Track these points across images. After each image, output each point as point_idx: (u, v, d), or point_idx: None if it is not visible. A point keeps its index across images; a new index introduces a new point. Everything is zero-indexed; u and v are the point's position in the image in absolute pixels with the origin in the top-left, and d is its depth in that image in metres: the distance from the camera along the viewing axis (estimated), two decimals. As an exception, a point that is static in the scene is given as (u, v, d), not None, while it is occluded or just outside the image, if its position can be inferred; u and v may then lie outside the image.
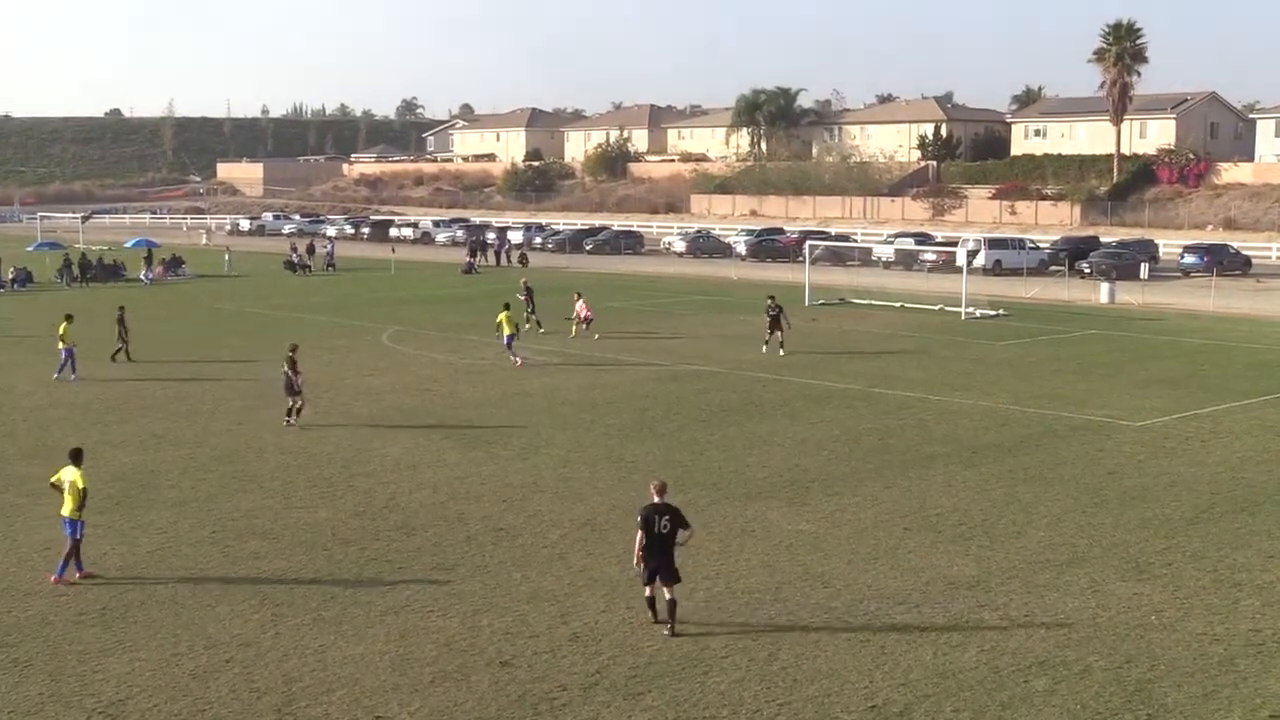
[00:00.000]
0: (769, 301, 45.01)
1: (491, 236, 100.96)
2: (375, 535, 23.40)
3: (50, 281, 75.73)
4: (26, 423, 33.94)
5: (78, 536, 21.11)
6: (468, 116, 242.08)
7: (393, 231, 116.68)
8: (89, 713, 16.01)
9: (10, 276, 74.78)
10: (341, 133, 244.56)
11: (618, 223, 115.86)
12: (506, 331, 43.24)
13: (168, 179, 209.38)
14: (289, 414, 33.00)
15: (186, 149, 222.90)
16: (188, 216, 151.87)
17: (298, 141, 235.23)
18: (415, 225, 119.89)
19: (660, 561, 18.61)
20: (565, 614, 19.30)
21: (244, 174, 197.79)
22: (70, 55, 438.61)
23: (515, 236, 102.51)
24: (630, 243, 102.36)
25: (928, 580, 20.83)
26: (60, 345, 40.61)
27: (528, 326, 50.19)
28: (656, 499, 18.95)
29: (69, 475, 21.46)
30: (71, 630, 18.67)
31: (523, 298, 52.54)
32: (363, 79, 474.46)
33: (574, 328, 51.13)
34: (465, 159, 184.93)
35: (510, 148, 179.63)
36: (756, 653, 17.77)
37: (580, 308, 51.81)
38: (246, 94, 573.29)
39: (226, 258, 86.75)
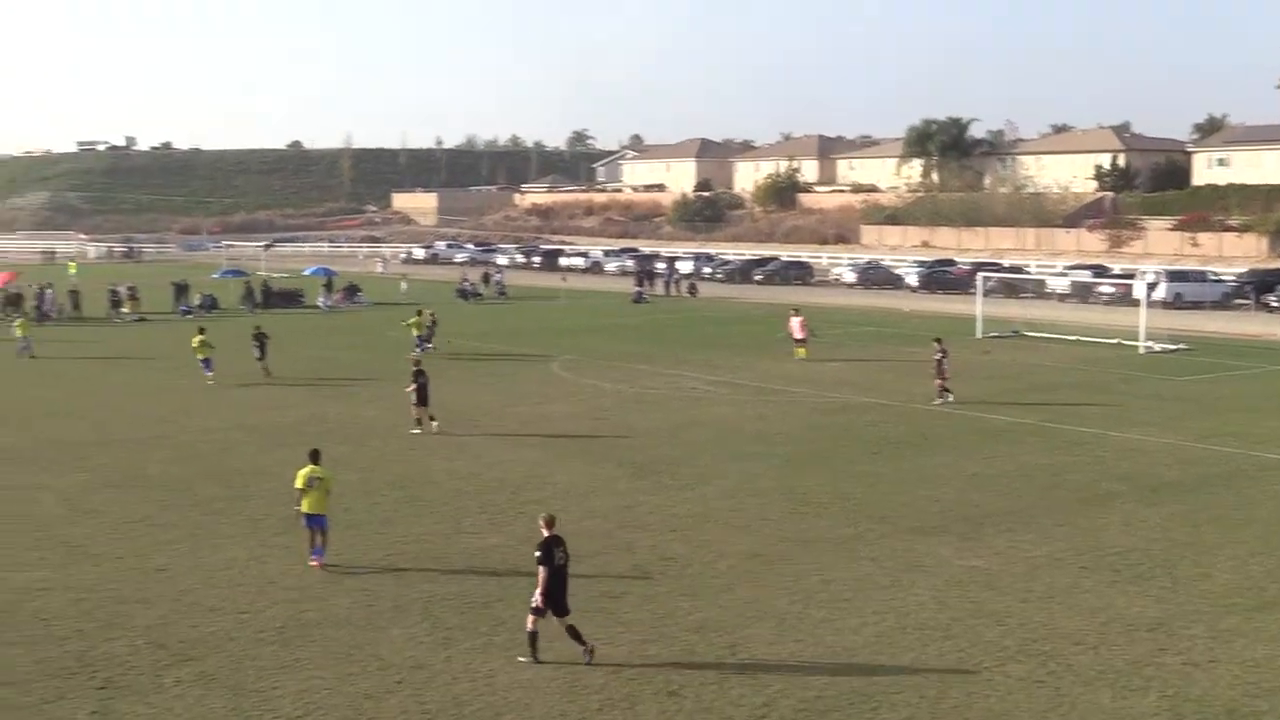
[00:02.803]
0: (935, 345, 42.07)
1: (661, 266, 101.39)
2: (545, 562, 23.56)
3: (234, 307, 78.12)
4: (208, 445, 35.03)
5: (325, 528, 23.21)
6: (637, 147, 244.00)
7: (563, 261, 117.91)
8: (267, 729, 16.41)
9: (197, 302, 77.50)
10: (513, 163, 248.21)
11: (786, 253, 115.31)
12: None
13: (345, 208, 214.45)
14: (419, 422, 35.99)
15: (363, 180, 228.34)
16: (364, 245, 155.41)
17: (470, 172, 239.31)
18: (585, 255, 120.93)
19: (560, 593, 18.63)
20: (733, 645, 19.21)
21: (418, 204, 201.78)
22: (256, 91, 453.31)
23: (684, 266, 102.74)
24: (799, 273, 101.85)
25: (1105, 621, 20.25)
26: (198, 357, 45.96)
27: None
28: (547, 532, 18.93)
29: (314, 473, 23.39)
30: (252, 647, 19.16)
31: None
32: (535, 112, 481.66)
33: (796, 349, 51.31)
34: (635, 189, 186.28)
35: (680, 178, 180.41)
36: (926, 690, 17.46)
37: (795, 326, 51.90)
38: (421, 126, 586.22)
39: (403, 286, 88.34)
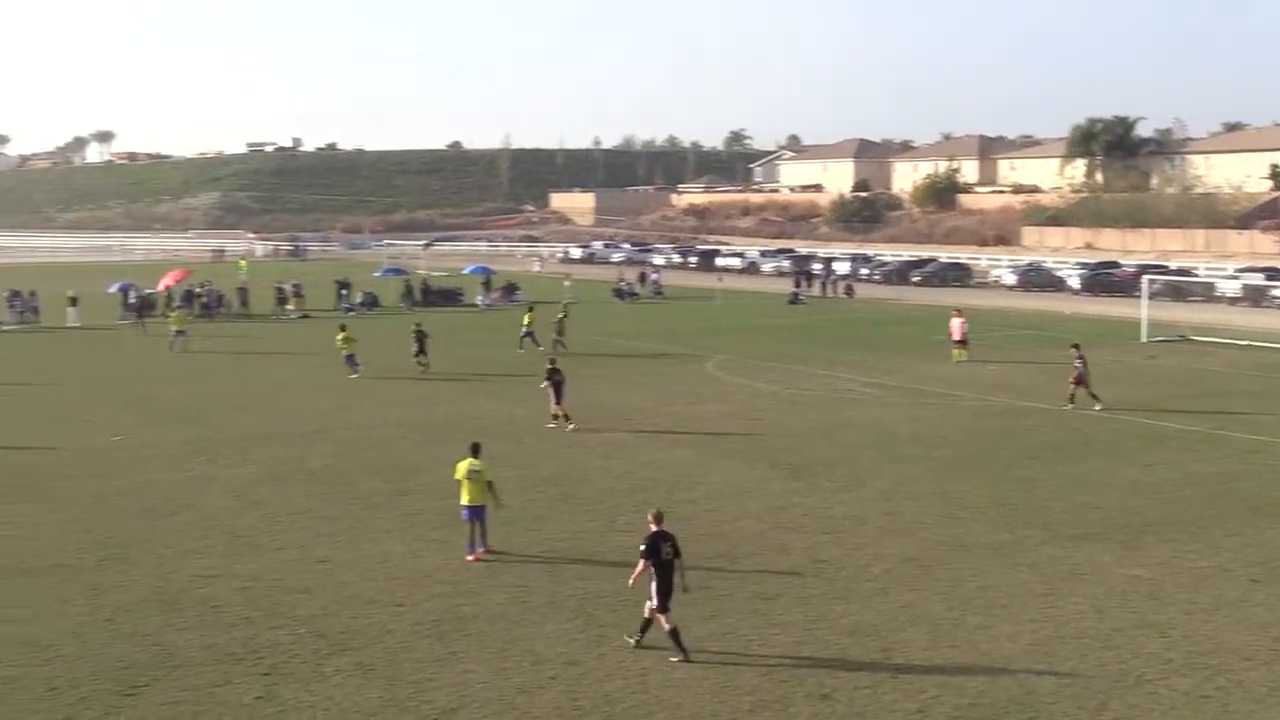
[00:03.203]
0: (1074, 350, 40.96)
1: (817, 267, 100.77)
2: (697, 562, 23.50)
3: (394, 305, 79.55)
4: (368, 441, 35.72)
5: (484, 520, 23.76)
6: (795, 147, 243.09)
7: (719, 261, 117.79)
8: (423, 719, 16.66)
9: (359, 300, 79.17)
10: (670, 163, 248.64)
11: (945, 254, 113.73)
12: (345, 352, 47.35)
13: (503, 208, 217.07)
14: (556, 417, 36.58)
15: (521, 179, 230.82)
16: (521, 244, 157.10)
17: (627, 172, 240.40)
18: (741, 255, 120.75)
19: (664, 588, 18.79)
20: (887, 650, 19.00)
21: (575, 203, 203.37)
22: (417, 93, 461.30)
23: (841, 267, 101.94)
24: (958, 275, 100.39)
25: (1278, 636, 19.58)
26: (342, 352, 47.72)
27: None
28: (655, 527, 19.18)
29: (472, 466, 23.93)
30: (409, 639, 19.49)
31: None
32: (692, 111, 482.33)
33: (955, 352, 50.78)
34: (792, 189, 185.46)
35: (837, 178, 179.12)
36: (1086, 701, 17.07)
37: (955, 327, 51.36)
38: (579, 126, 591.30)
39: (567, 284, 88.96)
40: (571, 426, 36.45)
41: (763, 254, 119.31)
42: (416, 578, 22.64)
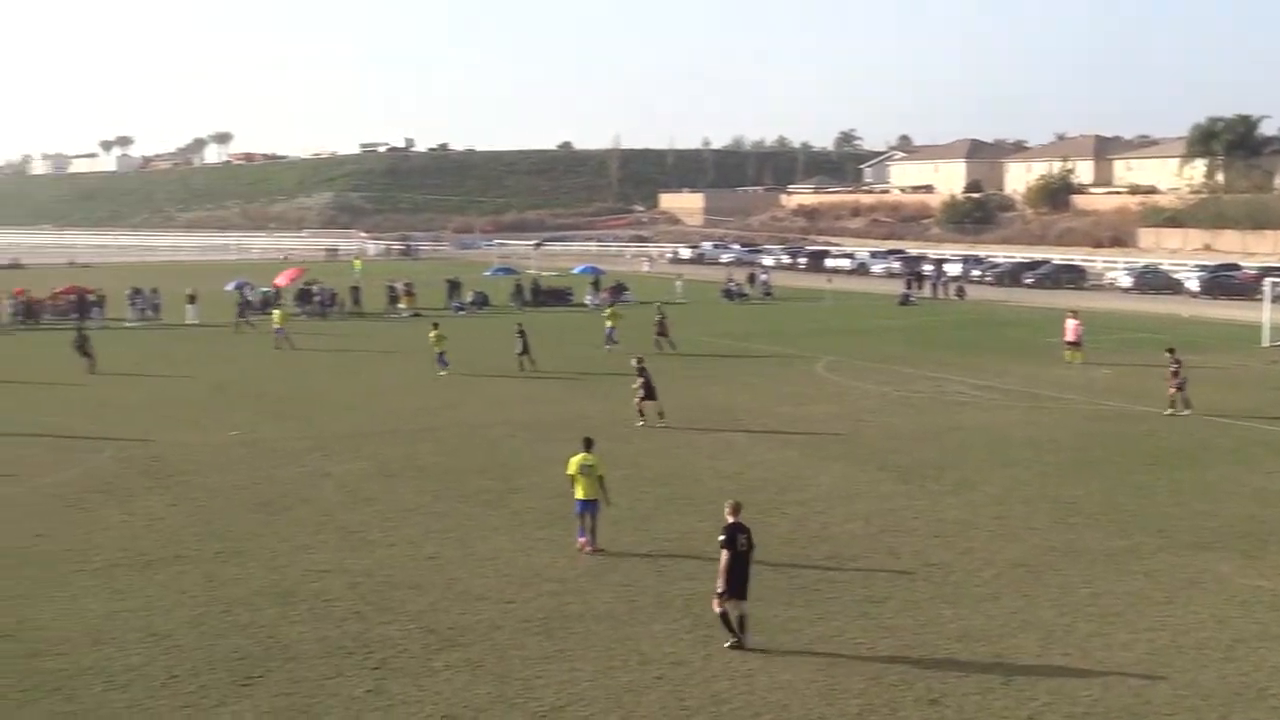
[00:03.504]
0: (1168, 355, 40.02)
1: (928, 268, 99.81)
2: (806, 563, 23.48)
3: (504, 304, 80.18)
4: (477, 438, 36.02)
5: (587, 514, 24.05)
6: (906, 148, 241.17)
7: (828, 262, 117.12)
8: (531, 715, 16.77)
9: (469, 299, 79.92)
10: (780, 164, 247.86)
11: (1059, 256, 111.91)
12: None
13: (613, 208, 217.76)
14: (655, 415, 37.07)
15: (631, 180, 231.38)
16: (630, 245, 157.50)
17: (737, 172, 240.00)
18: (851, 256, 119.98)
19: (741, 578, 19.10)
20: (998, 655, 18.76)
21: (684, 204, 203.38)
22: (528, 94, 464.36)
23: (952, 269, 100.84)
24: (1072, 277, 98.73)
25: (1405, 649, 19.03)
26: (434, 350, 49.03)
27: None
28: (732, 519, 19.62)
29: (585, 461, 24.30)
30: (517, 636, 19.62)
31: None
32: (802, 112, 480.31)
33: (1068, 354, 50.15)
34: (902, 190, 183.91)
35: (948, 179, 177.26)
36: (1205, 713, 16.71)
37: (1069, 329, 50.71)
38: (689, 127, 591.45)
39: (678, 285, 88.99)
40: (661, 423, 36.62)
41: (873, 255, 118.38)
42: (525, 575, 22.79)
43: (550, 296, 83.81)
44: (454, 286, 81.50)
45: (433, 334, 50.42)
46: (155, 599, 21.53)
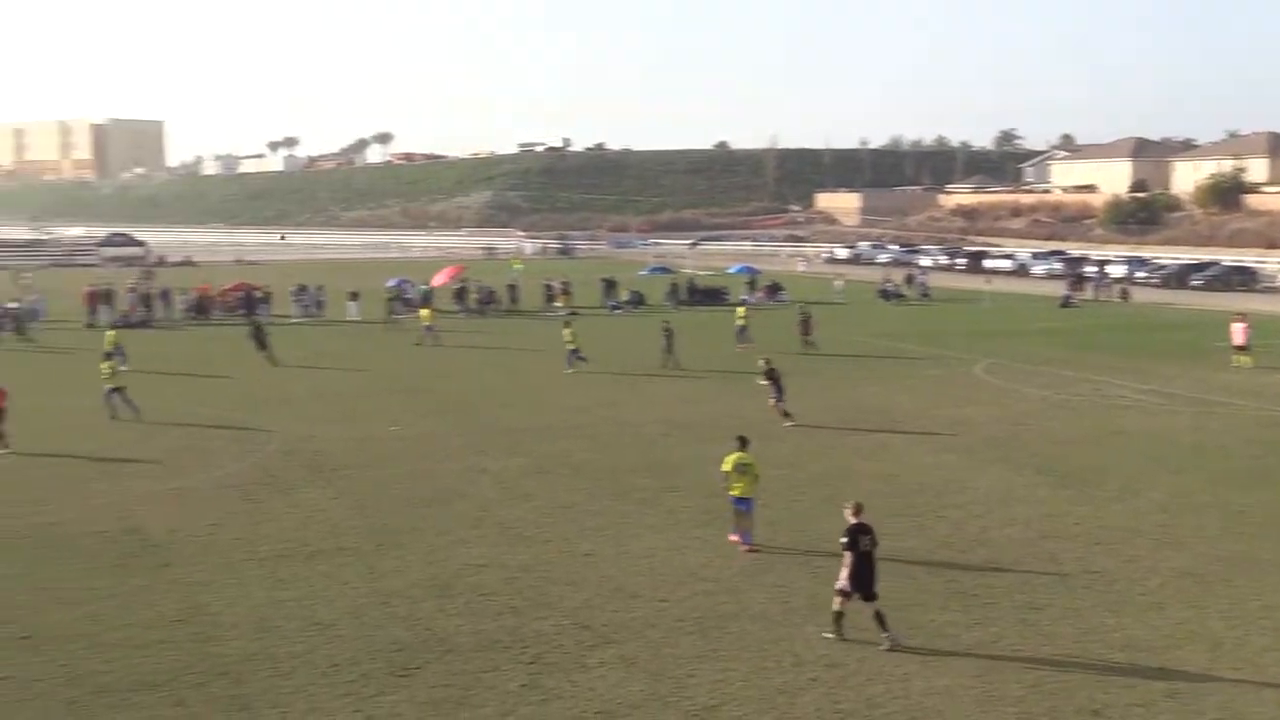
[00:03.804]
0: None
1: (1091, 270, 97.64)
2: (964, 568, 23.14)
3: (659, 303, 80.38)
4: (632, 437, 36.18)
5: (744, 510, 24.25)
6: (1068, 147, 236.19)
7: (987, 263, 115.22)
8: (684, 714, 16.80)
9: (625, 298, 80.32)
10: (938, 163, 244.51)
11: (1229, 257, 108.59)
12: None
13: (768, 208, 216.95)
14: (786, 414, 36.90)
15: (787, 179, 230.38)
16: (786, 244, 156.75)
17: (894, 172, 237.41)
18: (1011, 257, 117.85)
19: (867, 578, 19.25)
20: (1163, 667, 18.29)
21: (841, 203, 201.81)
22: (685, 93, 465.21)
23: (1115, 270, 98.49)
24: (1242, 279, 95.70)
25: None
26: (568, 347, 49.56)
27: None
28: (854, 519, 19.69)
29: (741, 459, 24.45)
30: (671, 635, 19.67)
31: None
32: (961, 111, 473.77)
33: (1236, 358, 48.87)
34: (1064, 190, 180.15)
35: (1112, 178, 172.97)
36: (1383, 732, 16.09)
37: (1236, 331, 49.36)
38: (846, 126, 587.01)
39: (837, 285, 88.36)
40: (789, 424, 36.51)
41: (1033, 256, 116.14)
42: (680, 574, 22.83)
43: (705, 296, 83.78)
44: (609, 285, 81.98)
45: (567, 331, 51.04)
46: (318, 589, 22.04)
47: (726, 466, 24.71)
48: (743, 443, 25.10)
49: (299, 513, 27.39)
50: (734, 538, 24.49)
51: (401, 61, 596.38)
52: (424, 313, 61.97)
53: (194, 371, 50.73)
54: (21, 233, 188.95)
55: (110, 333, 53.38)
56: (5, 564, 23.65)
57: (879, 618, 19.12)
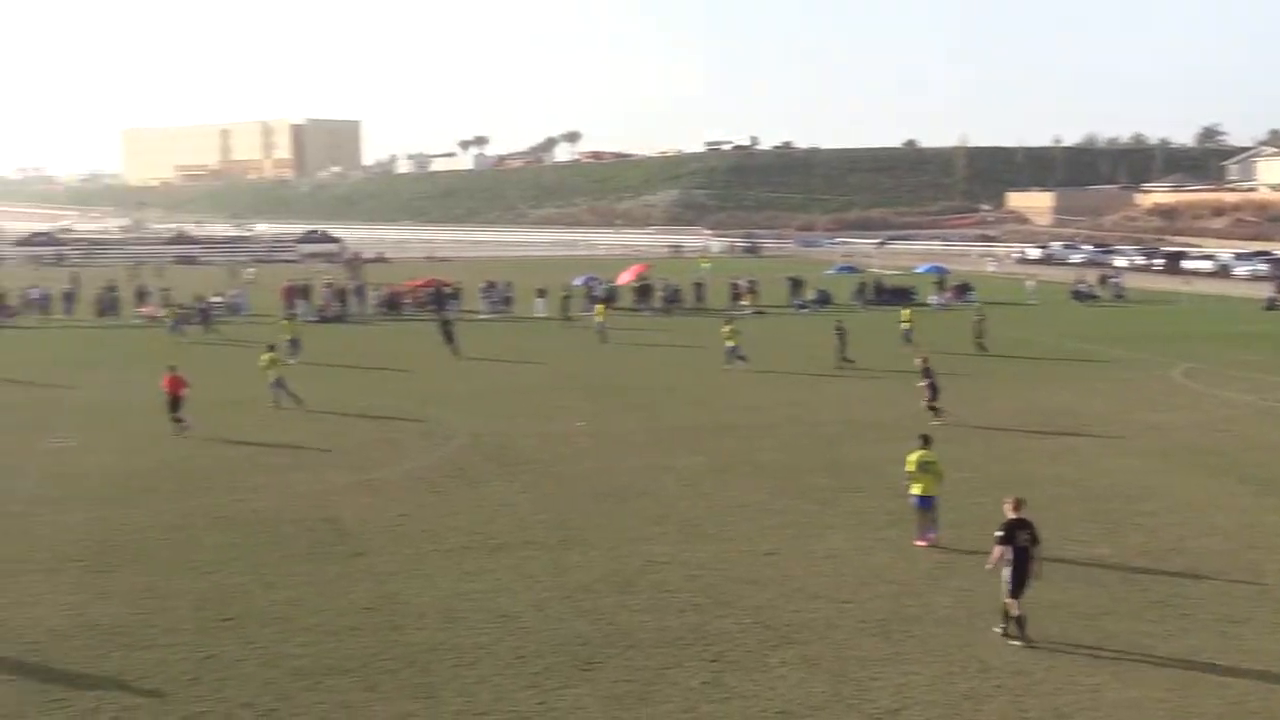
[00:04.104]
0: None
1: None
2: (1159, 577, 22.44)
3: (846, 303, 79.76)
4: (815, 436, 35.93)
5: (926, 509, 24.22)
6: (1277, 143, 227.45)
7: (1186, 263, 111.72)
8: (867, 717, 16.65)
9: (811, 297, 79.87)
10: (1135, 161, 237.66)
11: None
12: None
13: (958, 207, 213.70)
14: (935, 410, 37.19)
15: (977, 178, 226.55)
16: (976, 244, 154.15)
17: (1089, 171, 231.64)
18: (1212, 257, 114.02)
19: (1020, 574, 19.16)
20: (1372, 687, 17.49)
21: (1033, 203, 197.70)
22: (873, 91, 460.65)
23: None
24: None
25: None
26: (726, 343, 49.96)
27: None
28: (1013, 514, 19.57)
29: (924, 458, 24.47)
30: (853, 636, 19.49)
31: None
32: (1160, 107, 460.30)
33: None
34: (1272, 188, 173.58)
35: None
36: None
37: None
38: (1039, 124, 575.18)
39: (1029, 285, 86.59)
40: (937, 422, 35.91)
41: (1236, 256, 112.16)
42: (863, 575, 22.61)
43: (893, 295, 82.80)
44: (796, 284, 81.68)
45: (727, 329, 51.21)
46: (503, 581, 22.37)
47: (909, 466, 24.60)
48: (925, 441, 25.01)
49: (485, 506, 27.84)
50: (920, 542, 24.17)
51: (590, 61, 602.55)
52: (599, 310, 62.55)
53: (384, 366, 51.98)
54: (225, 230, 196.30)
55: (285, 323, 55.15)
56: (218, 548, 24.55)
57: (1019, 619, 19.21)
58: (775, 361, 51.17)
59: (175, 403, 36.54)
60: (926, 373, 38.45)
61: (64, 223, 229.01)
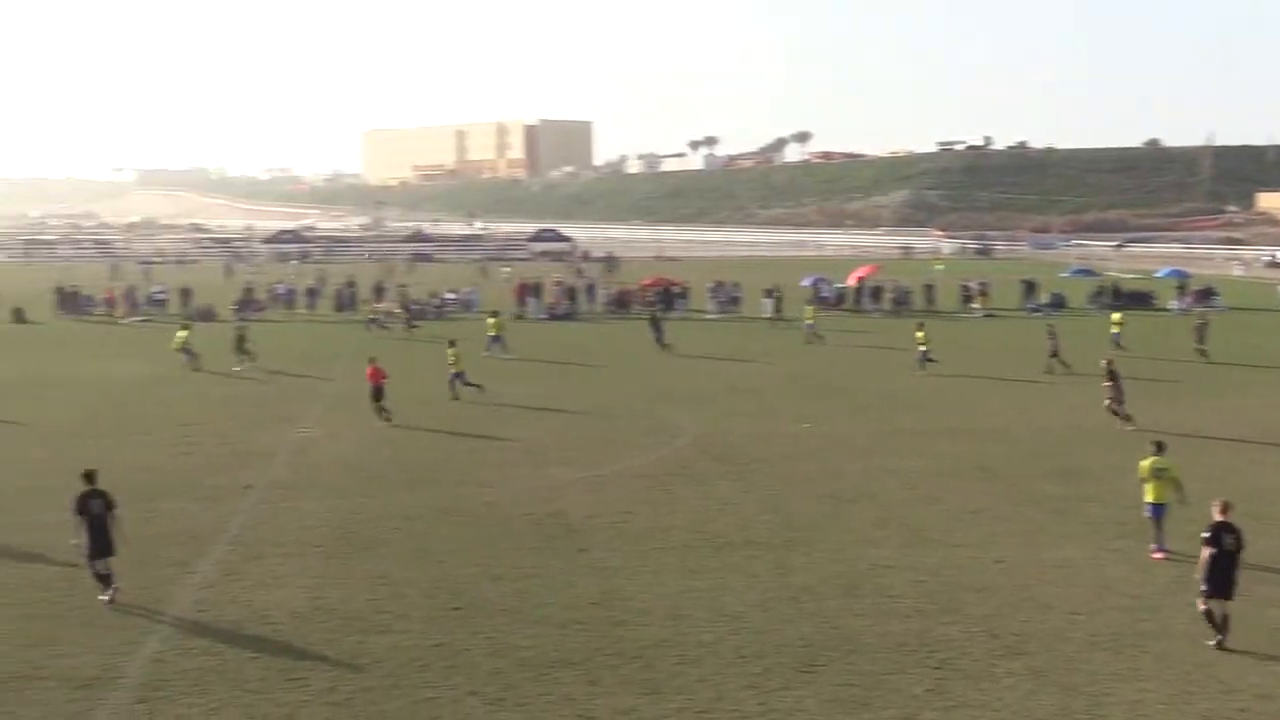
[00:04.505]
0: None
1: None
2: None
3: (1081, 306, 77.67)
4: (1046, 443, 35.03)
5: (1159, 518, 23.66)
6: None
7: None
8: (1098, 734, 16.16)
9: (1045, 300, 77.99)
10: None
11: None
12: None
13: (1202, 208, 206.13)
14: (1125, 419, 36.35)
15: (1224, 178, 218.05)
16: (1221, 247, 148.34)
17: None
18: None
19: (1226, 577, 18.90)
20: None
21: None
22: (1113, 89, 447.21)
23: None
24: None
25: None
26: (919, 348, 49.43)
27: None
28: (1220, 517, 19.21)
29: (1157, 464, 23.88)
30: (1084, 650, 18.95)
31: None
32: None
33: None
34: None
35: None
36: None
37: None
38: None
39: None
40: (1131, 428, 35.40)
41: None
42: (1095, 587, 21.97)
43: (1131, 299, 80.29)
44: (1030, 287, 79.94)
45: (919, 334, 50.59)
46: (726, 580, 22.42)
47: (1142, 472, 24.03)
48: (1159, 447, 24.27)
49: (709, 504, 27.96)
50: (1157, 554, 23.40)
51: (820, 61, 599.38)
52: (809, 311, 62.19)
53: (609, 364, 52.64)
54: (459, 228, 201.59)
55: (491, 319, 56.39)
56: (448, 539, 25.24)
57: (1225, 619, 18.92)
58: (1004, 365, 50.10)
59: (378, 392, 38.35)
60: (1111, 375, 37.53)
61: (307, 221, 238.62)
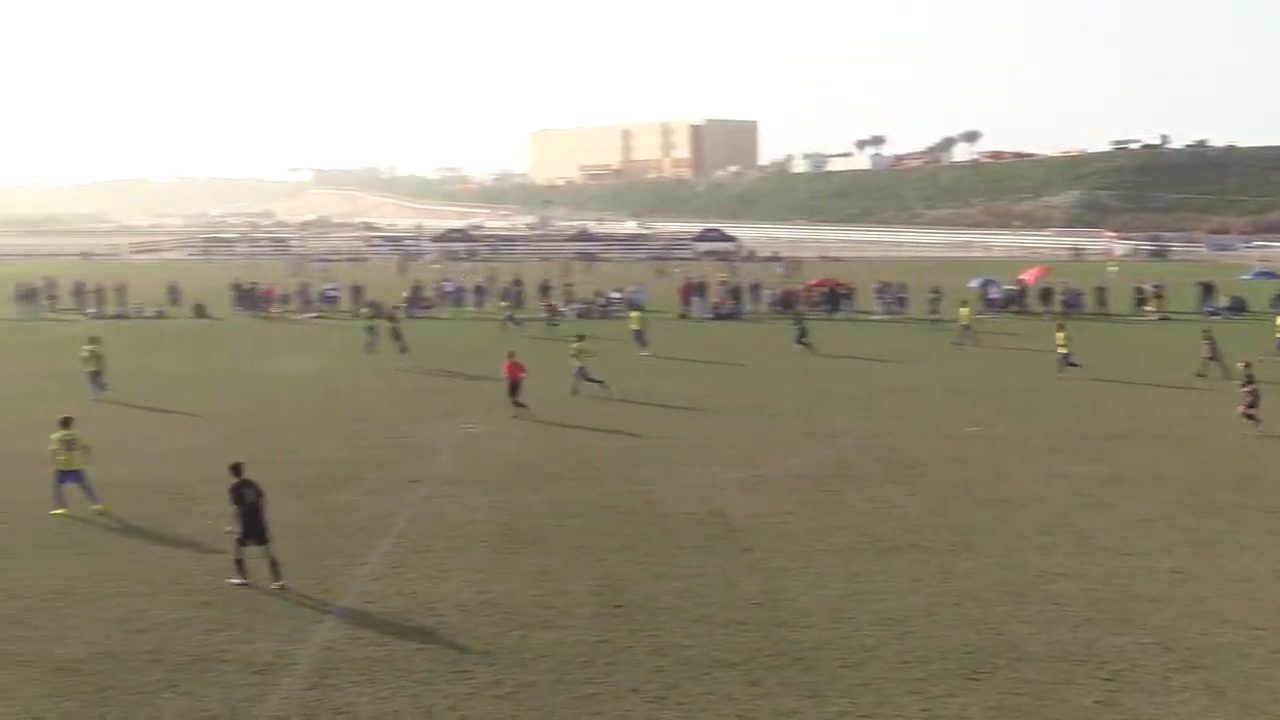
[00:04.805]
0: None
1: None
2: None
3: (1263, 310, 75.10)
4: (1226, 450, 33.92)
5: None
6: None
7: None
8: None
9: (1224, 303, 75.44)
10: None
11: None
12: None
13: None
14: (1254, 421, 35.64)
15: None
16: None
17: None
18: None
19: None
20: None
21: None
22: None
23: None
24: None
25: None
26: (1059, 351, 48.35)
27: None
28: None
29: None
30: (1266, 666, 18.30)
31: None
32: None
33: None
34: None
35: None
36: None
37: None
38: None
39: None
40: (1258, 431, 34.99)
41: None
42: (1278, 601, 21.20)
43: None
44: (1207, 289, 77.52)
45: (1059, 335, 49.66)
46: (891, 584, 22.15)
47: None
48: None
49: (873, 507, 27.66)
50: None
51: (990, 59, 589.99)
52: (963, 311, 61.05)
53: (771, 364, 52.40)
54: (626, 227, 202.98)
55: (634, 314, 56.48)
56: (616, 537, 25.35)
57: None
58: (1177, 370, 48.67)
59: (515, 387, 39.28)
60: (1250, 379, 36.34)
61: (475, 220, 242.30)
